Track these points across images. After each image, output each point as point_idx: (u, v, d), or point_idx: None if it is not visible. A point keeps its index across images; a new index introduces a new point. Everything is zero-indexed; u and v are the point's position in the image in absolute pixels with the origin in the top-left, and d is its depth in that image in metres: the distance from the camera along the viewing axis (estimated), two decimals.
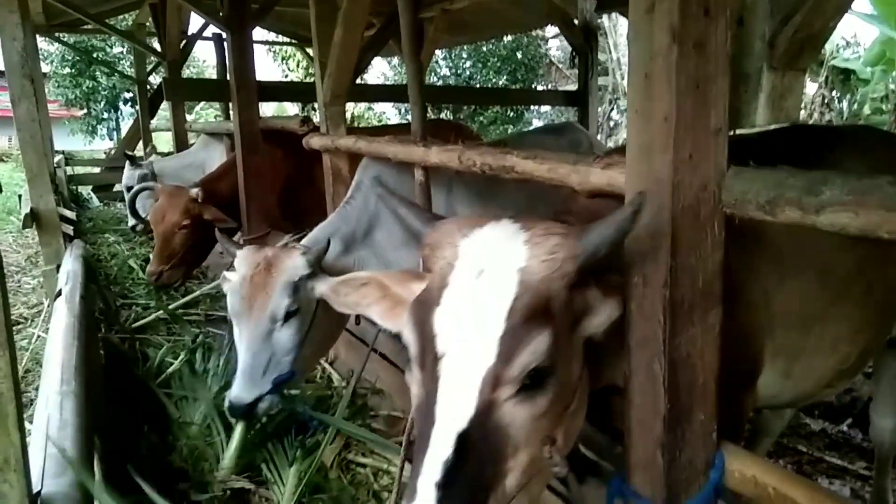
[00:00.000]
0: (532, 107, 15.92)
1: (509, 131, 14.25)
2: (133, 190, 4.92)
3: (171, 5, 6.43)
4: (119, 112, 15.17)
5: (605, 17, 12.46)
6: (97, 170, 10.59)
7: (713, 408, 1.44)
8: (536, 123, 16.52)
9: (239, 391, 2.27)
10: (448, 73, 15.10)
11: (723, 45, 1.31)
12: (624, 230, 1.22)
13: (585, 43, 5.62)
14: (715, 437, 1.45)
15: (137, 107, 15.38)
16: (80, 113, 15.09)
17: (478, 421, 1.08)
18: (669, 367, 1.37)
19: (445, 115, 13.21)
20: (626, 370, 1.48)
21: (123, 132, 15.81)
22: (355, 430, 2.64)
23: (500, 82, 14.48)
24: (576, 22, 5.70)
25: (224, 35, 5.63)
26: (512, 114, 15.32)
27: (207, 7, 4.65)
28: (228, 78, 4.54)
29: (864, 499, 2.78)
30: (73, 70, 13.69)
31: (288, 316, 2.35)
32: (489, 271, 1.18)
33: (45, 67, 15.14)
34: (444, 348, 1.14)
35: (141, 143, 9.22)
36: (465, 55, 14.79)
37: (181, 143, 6.98)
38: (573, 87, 15.44)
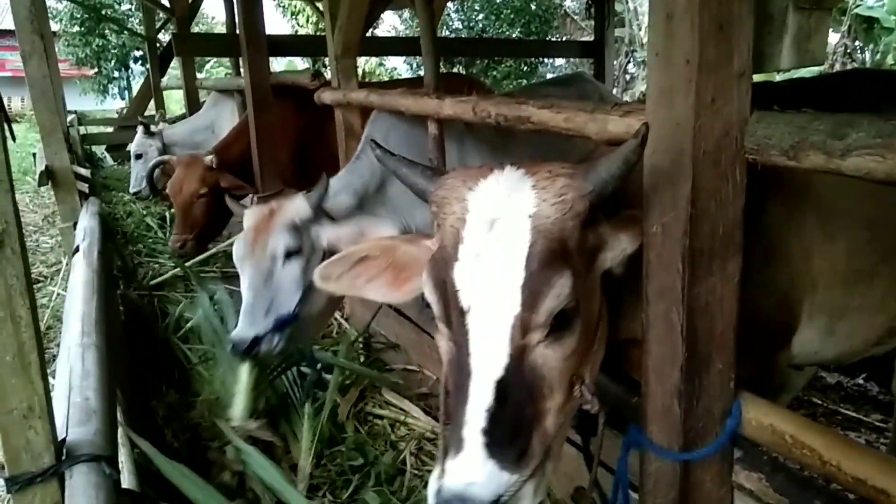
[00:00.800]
0: (546, 60, 15.62)
1: (523, 84, 14.03)
2: (151, 165, 4.91)
3: None
4: (130, 71, 15.08)
5: None
6: (110, 129, 10.57)
7: (732, 357, 1.43)
8: (550, 76, 16.24)
9: (239, 329, 2.28)
10: (460, 27, 14.80)
11: None
12: (630, 162, 1.20)
13: None
14: (733, 386, 1.45)
15: (148, 65, 15.37)
16: (91, 72, 15.01)
17: (513, 367, 1.11)
18: (688, 316, 1.36)
19: (458, 69, 13.01)
20: (643, 320, 1.47)
21: (135, 91, 15.81)
22: (359, 369, 2.67)
23: (514, 35, 14.18)
24: None
25: None
26: (525, 68, 15.03)
27: None
28: (238, 32, 4.50)
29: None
30: (83, 28, 13.56)
31: (289, 255, 2.36)
32: (501, 221, 1.17)
33: (54, 26, 15.06)
34: (468, 302, 1.15)
35: (153, 102, 9.17)
36: (477, 6, 14.47)
37: (192, 101, 6.93)
38: (589, 38, 15.20)
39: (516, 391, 1.11)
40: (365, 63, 17.25)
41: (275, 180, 4.73)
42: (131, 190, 5.95)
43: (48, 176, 3.05)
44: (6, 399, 1.00)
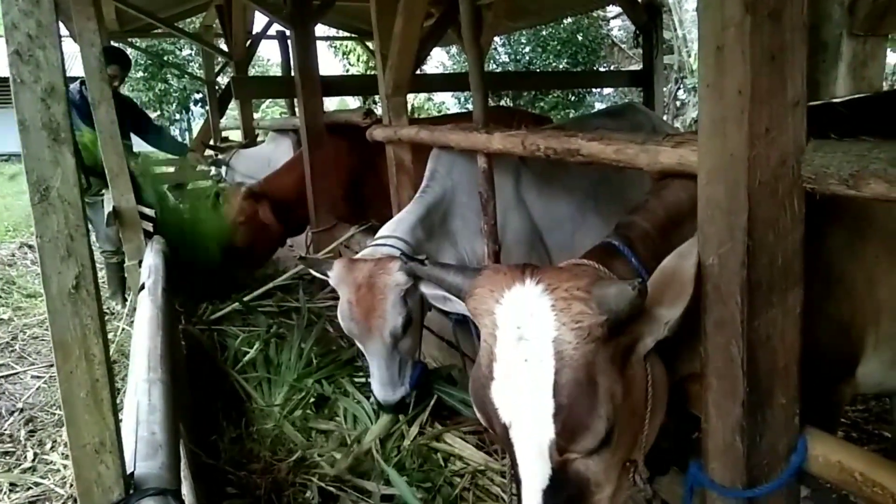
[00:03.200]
0: (594, 90, 15.64)
1: (570, 115, 14.04)
2: None
3: (237, 5, 6.61)
4: (190, 112, 15.74)
5: None
6: (172, 169, 11.00)
7: (795, 391, 1.39)
8: (599, 107, 16.21)
9: (385, 395, 2.48)
10: (507, 60, 15.00)
11: (799, 13, 1.25)
12: (635, 306, 1.17)
13: (650, 20, 5.47)
14: (797, 421, 1.40)
15: (207, 107, 16.01)
16: (154, 115, 15.73)
17: (556, 478, 1.18)
18: (748, 349, 1.32)
19: (504, 102, 13.13)
20: (702, 353, 1.44)
21: (195, 131, 16.45)
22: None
23: (561, 66, 14.28)
24: (639, 0, 5.57)
25: (287, 32, 5.75)
26: (573, 98, 15.10)
27: (271, 5, 4.75)
28: (293, 74, 4.67)
29: None
30: (146, 74, 14.26)
31: (405, 327, 2.42)
32: (526, 343, 1.19)
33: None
34: (508, 419, 1.20)
35: (212, 142, 9.52)
36: (524, 40, 14.65)
37: (250, 139, 7.18)
38: (637, 66, 15.16)
39: (563, 495, 1.18)
40: (414, 98, 17.59)
41: (328, 215, 4.85)
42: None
43: (116, 217, 3.18)
44: (79, 434, 1.05)
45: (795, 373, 1.38)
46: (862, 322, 1.59)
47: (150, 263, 2.76)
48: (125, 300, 5.89)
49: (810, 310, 1.39)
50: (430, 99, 19.21)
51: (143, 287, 2.49)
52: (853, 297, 1.56)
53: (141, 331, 1.98)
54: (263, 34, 7.43)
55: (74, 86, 5.54)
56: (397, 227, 2.92)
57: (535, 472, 1.18)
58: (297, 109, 4.77)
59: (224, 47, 7.72)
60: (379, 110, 3.99)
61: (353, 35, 10.12)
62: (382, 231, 2.91)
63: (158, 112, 15.36)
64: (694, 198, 1.58)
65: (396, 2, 3.40)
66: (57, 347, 1.01)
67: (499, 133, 2.44)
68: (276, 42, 6.98)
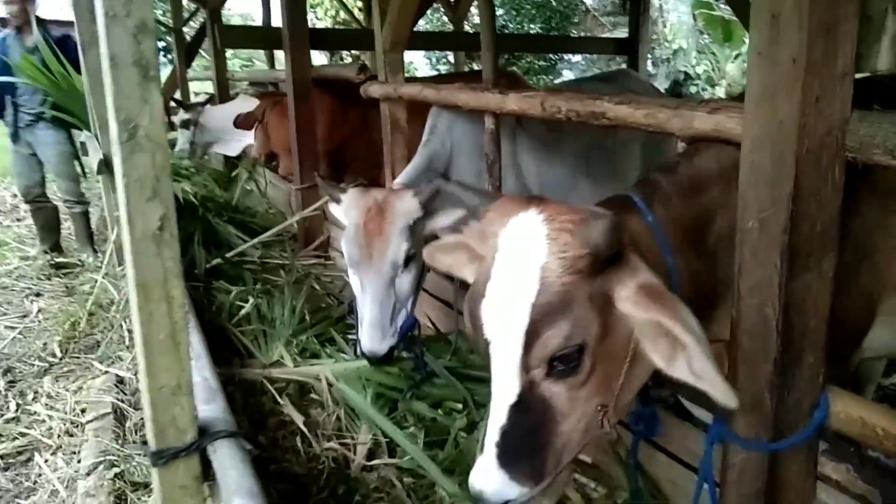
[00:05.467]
0: (565, 56, 15.58)
1: (542, 82, 14.01)
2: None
3: None
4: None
5: None
6: None
7: (822, 351, 1.46)
8: (567, 74, 16.21)
9: (372, 343, 2.32)
10: (479, 22, 14.84)
11: None
12: (612, 243, 1.24)
13: None
14: (822, 379, 1.48)
15: (171, 56, 15.39)
16: None
17: (522, 396, 1.27)
18: (783, 311, 1.39)
19: (474, 65, 13.00)
20: (733, 315, 1.50)
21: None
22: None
23: (534, 30, 14.18)
24: None
25: None
26: (545, 63, 15.03)
27: None
28: (274, 25, 4.56)
29: None
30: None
31: (407, 261, 2.38)
32: (517, 268, 1.27)
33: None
34: (489, 336, 1.29)
35: (178, 93, 9.22)
36: (497, 2, 14.48)
37: (223, 92, 6.99)
38: (608, 34, 15.15)
39: (527, 416, 1.27)
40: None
41: (312, 171, 4.79)
42: (177, 151, 6.41)
43: (106, 165, 3.09)
44: (157, 376, 1.05)
45: (824, 334, 1.46)
46: (879, 291, 1.67)
47: None
48: (95, 251, 5.75)
49: (838, 277, 1.46)
50: None
51: None
52: (877, 268, 1.64)
53: None
54: None
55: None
56: (406, 177, 2.92)
57: (504, 387, 1.26)
58: (285, 63, 4.64)
59: None
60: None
61: None
62: (393, 183, 2.93)
63: None
64: (724, 168, 1.63)
65: None
66: (138, 288, 1.00)
67: (514, 94, 2.43)
68: None
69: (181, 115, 6.32)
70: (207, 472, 1.13)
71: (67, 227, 6.49)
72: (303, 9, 4.53)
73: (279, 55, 6.50)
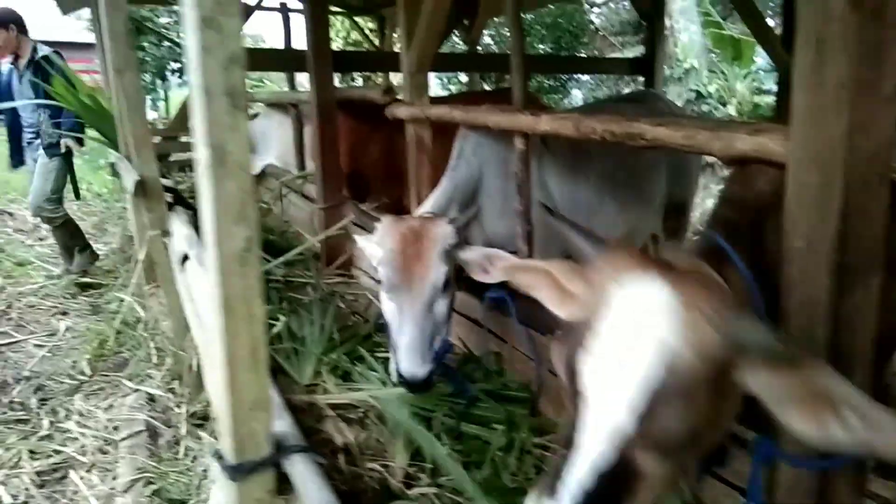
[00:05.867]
0: (574, 77, 15.69)
1: (552, 101, 14.10)
2: None
3: None
4: (167, 82, 15.36)
5: None
6: (156, 140, 10.79)
7: (868, 370, 1.49)
8: (576, 94, 16.31)
9: (412, 367, 2.30)
10: (490, 41, 14.95)
11: None
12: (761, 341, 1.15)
13: (653, 7, 5.54)
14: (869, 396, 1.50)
15: (186, 77, 15.58)
16: None
17: (615, 466, 1.15)
18: (832, 330, 1.42)
19: (484, 86, 13.10)
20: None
21: (172, 102, 16.06)
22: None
23: (543, 50, 14.29)
24: None
25: (291, 5, 5.67)
26: (555, 83, 15.14)
27: None
28: (292, 48, 4.61)
29: None
30: None
31: (445, 285, 2.42)
32: (635, 338, 1.16)
33: (92, 37, 15.40)
34: (586, 392, 1.19)
35: None
36: (507, 22, 14.63)
37: None
38: (617, 54, 15.24)
39: (614, 480, 1.16)
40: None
41: (335, 192, 4.85)
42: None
43: (142, 187, 3.15)
44: (239, 391, 1.08)
45: (870, 352, 1.48)
46: None
47: (185, 234, 2.75)
48: (69, 266, 5.83)
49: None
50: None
51: (186, 257, 2.49)
52: None
53: (207, 298, 2.00)
54: (258, 5, 7.30)
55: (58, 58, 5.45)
56: (429, 205, 2.97)
57: (596, 453, 1.16)
58: (309, 84, 4.71)
59: None
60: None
61: (339, 10, 10.02)
62: (420, 209, 2.97)
63: None
64: (776, 189, 1.66)
65: None
66: (224, 307, 1.04)
67: (547, 115, 2.48)
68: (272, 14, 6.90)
69: None
70: (279, 487, 1.17)
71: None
72: (326, 31, 4.62)
73: (299, 77, 6.58)
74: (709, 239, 1.57)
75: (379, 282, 2.56)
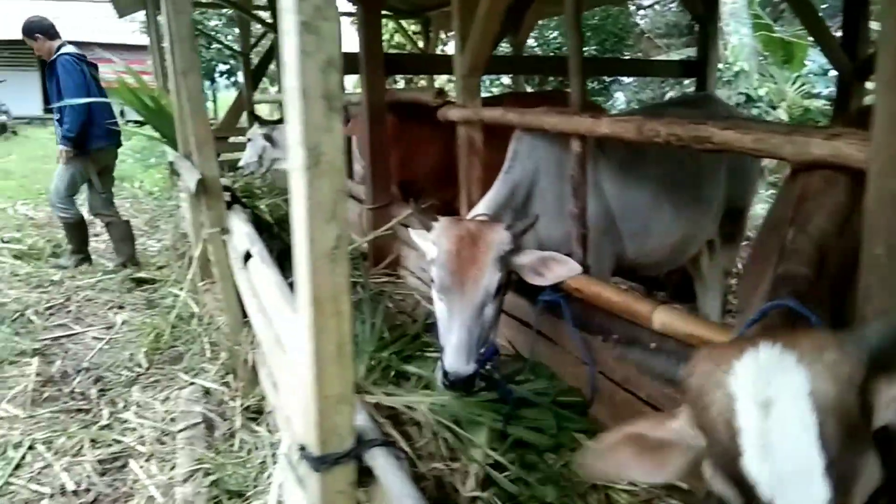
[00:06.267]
0: (618, 78, 15.56)
1: (595, 103, 13.99)
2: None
3: None
4: (215, 84, 15.70)
5: None
6: None
7: None
8: (619, 96, 16.17)
9: (457, 364, 2.32)
10: (533, 44, 14.92)
11: None
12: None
13: (706, 10, 5.47)
14: None
15: (234, 79, 15.93)
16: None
17: None
18: None
19: (528, 87, 13.07)
20: None
21: (220, 103, 16.40)
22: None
23: (588, 52, 14.21)
24: None
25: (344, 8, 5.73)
26: (598, 85, 15.03)
27: None
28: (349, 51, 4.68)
29: None
30: None
31: (497, 290, 2.43)
32: (777, 405, 1.11)
33: (145, 40, 15.84)
34: (770, 495, 1.11)
35: (245, 115, 9.54)
36: (552, 25, 14.56)
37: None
38: (663, 57, 15.06)
39: None
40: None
41: (384, 192, 4.91)
42: (242, 164, 6.85)
43: (203, 186, 3.23)
44: (326, 385, 1.11)
45: None
46: None
47: (246, 232, 2.82)
48: (82, 260, 6.04)
49: None
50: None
51: (248, 255, 2.55)
52: None
53: (275, 295, 2.05)
54: None
55: (68, 58, 5.68)
56: (483, 206, 2.98)
57: None
58: (361, 86, 4.78)
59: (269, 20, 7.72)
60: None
61: (387, 13, 10.12)
62: (472, 212, 2.98)
63: None
64: (840, 209, 1.62)
65: None
66: (314, 303, 1.07)
67: (607, 118, 2.48)
68: None
69: (255, 130, 6.56)
70: (359, 479, 1.19)
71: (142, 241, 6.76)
72: (378, 34, 4.67)
73: (348, 79, 6.69)
74: (782, 306, 1.45)
75: (431, 281, 2.59)
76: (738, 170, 3.58)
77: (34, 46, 5.79)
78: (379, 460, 1.15)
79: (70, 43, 5.90)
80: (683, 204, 3.41)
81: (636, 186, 3.32)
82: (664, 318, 2.21)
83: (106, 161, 6.06)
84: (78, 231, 6.08)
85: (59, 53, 5.71)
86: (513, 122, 3.14)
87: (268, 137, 6.38)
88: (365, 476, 1.20)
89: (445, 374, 2.36)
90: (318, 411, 1.11)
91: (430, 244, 2.61)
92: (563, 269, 2.68)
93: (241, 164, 6.85)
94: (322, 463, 1.12)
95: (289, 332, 1.78)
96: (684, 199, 3.41)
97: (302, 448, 1.17)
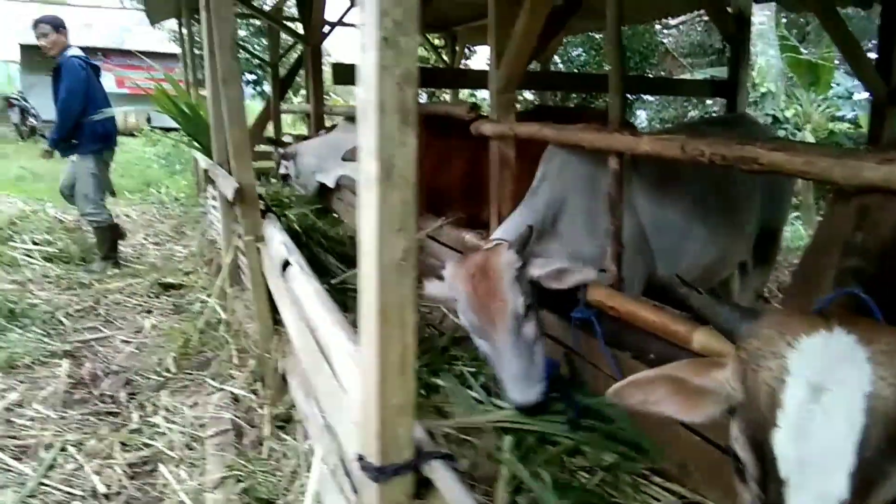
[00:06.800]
0: (641, 96, 15.56)
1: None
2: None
3: None
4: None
5: None
6: None
7: None
8: (641, 114, 16.15)
9: (523, 396, 2.34)
10: (558, 61, 14.97)
11: None
12: None
13: (738, 31, 5.47)
14: None
15: (259, 88, 16.12)
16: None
17: None
18: None
19: (551, 102, 13.11)
20: None
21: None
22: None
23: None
24: (729, 10, 5.56)
25: None
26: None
27: None
28: None
29: None
30: (201, 51, 14.40)
31: (526, 309, 2.44)
32: (830, 395, 1.09)
33: (175, 49, 16.09)
34: (787, 474, 1.10)
35: (271, 125, 9.63)
36: (577, 42, 14.63)
37: (319, 125, 7.28)
38: (687, 76, 15.03)
39: None
40: None
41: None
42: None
43: (240, 194, 3.27)
44: (388, 395, 1.12)
45: None
46: None
47: (282, 240, 2.84)
48: (108, 263, 6.17)
49: None
50: None
51: (287, 263, 2.57)
52: None
53: (317, 304, 2.06)
54: (339, 21, 7.52)
55: (76, 61, 5.88)
56: (505, 230, 2.98)
57: None
58: None
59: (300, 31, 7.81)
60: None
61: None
62: (495, 234, 2.98)
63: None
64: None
65: None
66: (380, 313, 1.08)
67: (648, 136, 2.48)
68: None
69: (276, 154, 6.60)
70: (416, 491, 1.20)
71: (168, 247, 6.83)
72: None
73: None
74: (851, 294, 1.42)
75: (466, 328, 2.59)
76: (773, 192, 3.56)
77: (53, 40, 5.99)
78: (439, 472, 1.16)
79: (98, 49, 6.34)
80: (717, 224, 3.40)
81: (669, 205, 3.32)
82: (704, 338, 2.19)
83: (109, 161, 6.38)
84: (110, 233, 6.20)
85: (70, 56, 5.98)
86: (549, 138, 3.15)
87: (286, 156, 6.37)
88: (421, 488, 1.20)
89: (521, 404, 2.37)
90: (380, 421, 1.12)
91: (447, 290, 2.62)
92: (578, 276, 2.65)
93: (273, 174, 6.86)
94: (382, 473, 1.13)
95: (338, 342, 1.79)
96: (718, 219, 3.39)
97: (360, 458, 1.17)
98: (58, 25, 6.01)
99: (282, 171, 6.54)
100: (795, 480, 1.08)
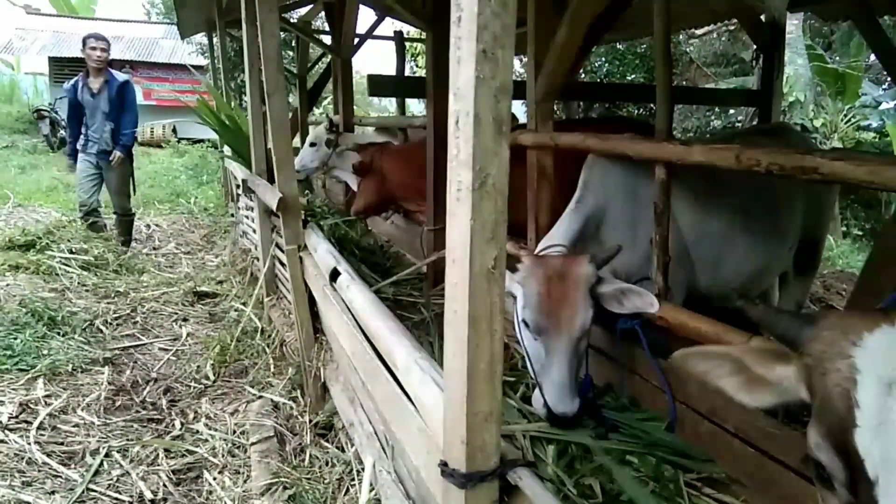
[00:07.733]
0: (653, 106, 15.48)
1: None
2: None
3: (351, 4, 6.77)
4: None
5: None
6: None
7: None
8: None
9: (563, 405, 2.35)
10: (581, 71, 14.99)
11: None
12: None
13: (772, 41, 5.44)
14: None
15: (291, 100, 16.26)
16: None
17: None
18: None
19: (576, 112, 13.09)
20: None
21: None
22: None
23: (635, 79, 14.19)
24: (762, 18, 5.54)
25: (406, 34, 5.84)
26: (644, 111, 15.00)
27: (409, 7, 4.88)
28: (408, 75, 4.80)
29: None
30: (230, 64, 14.59)
31: (592, 322, 2.44)
32: None
33: (203, 61, 16.33)
34: (875, 473, 1.09)
35: (298, 136, 9.72)
36: (600, 51, 14.62)
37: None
38: (711, 85, 14.96)
39: None
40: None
41: (445, 214, 4.95)
42: (297, 165, 6.54)
43: (281, 204, 3.31)
44: (476, 402, 1.13)
45: None
46: None
47: (327, 249, 2.87)
48: (126, 249, 6.98)
49: None
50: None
51: (336, 272, 2.59)
52: None
53: (373, 314, 2.08)
54: (370, 34, 7.59)
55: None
56: (560, 235, 2.98)
57: None
58: (426, 109, 4.86)
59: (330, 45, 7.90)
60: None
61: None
62: (545, 241, 2.98)
63: (236, 101, 15.69)
64: None
65: (554, 6, 3.47)
66: (470, 321, 1.09)
67: (699, 145, 2.47)
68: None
69: (322, 132, 6.30)
70: (500, 499, 1.20)
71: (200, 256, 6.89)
72: (446, 60, 4.74)
73: (409, 103, 6.78)
74: None
75: (522, 322, 2.58)
76: (816, 201, 3.53)
77: (107, 54, 6.69)
78: (526, 481, 1.16)
79: (125, 62, 7.01)
80: (759, 234, 3.37)
81: (711, 214, 3.30)
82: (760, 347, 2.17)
83: None
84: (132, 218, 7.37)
85: (123, 79, 6.82)
86: (592, 148, 3.15)
87: (331, 143, 6.24)
88: (503, 494, 1.20)
89: (550, 411, 2.37)
90: (469, 429, 1.13)
91: (515, 285, 2.62)
92: (639, 301, 2.66)
93: (297, 164, 6.69)
94: (469, 480, 1.14)
95: (403, 350, 1.80)
96: (760, 228, 3.37)
97: (444, 464, 1.18)
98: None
99: (307, 161, 6.52)
100: (884, 478, 1.07)
